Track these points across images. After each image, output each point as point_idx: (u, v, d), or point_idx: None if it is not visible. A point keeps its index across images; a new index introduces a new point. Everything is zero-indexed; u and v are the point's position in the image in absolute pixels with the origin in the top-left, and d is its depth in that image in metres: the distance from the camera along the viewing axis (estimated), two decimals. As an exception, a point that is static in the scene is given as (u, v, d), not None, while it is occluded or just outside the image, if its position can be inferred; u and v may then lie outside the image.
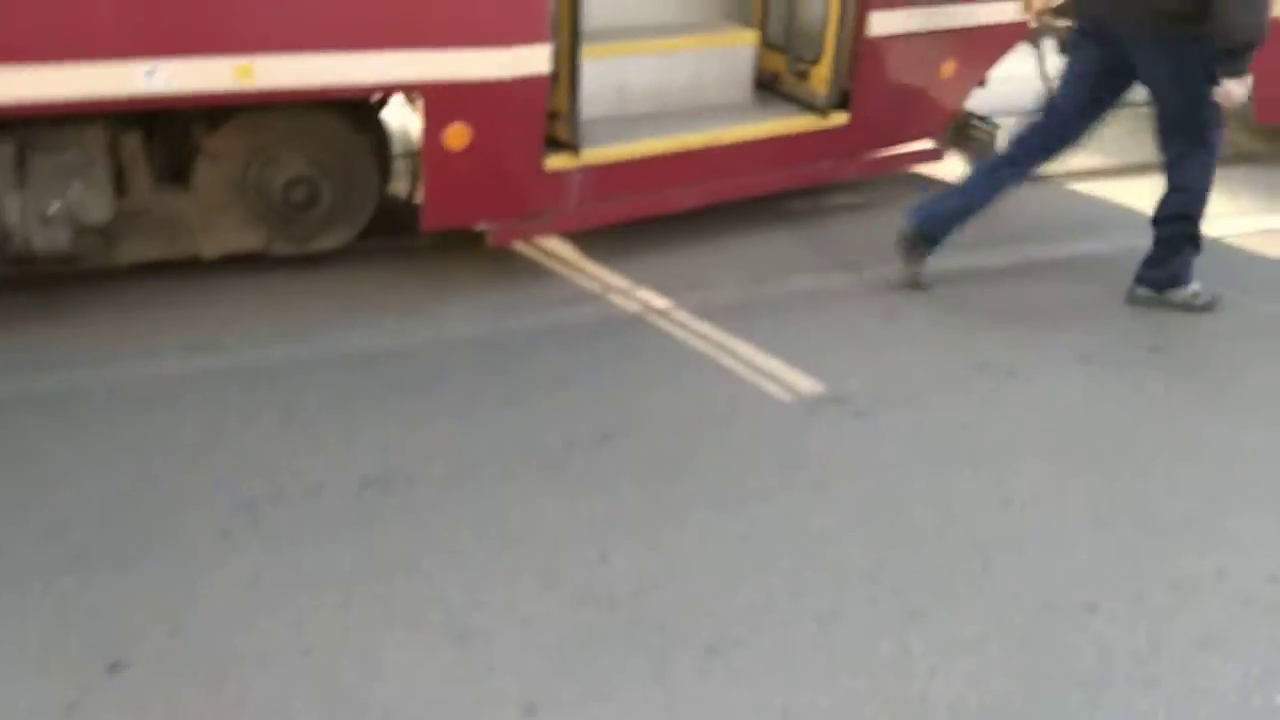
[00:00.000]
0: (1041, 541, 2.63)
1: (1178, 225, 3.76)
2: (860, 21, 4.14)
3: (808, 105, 4.29)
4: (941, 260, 4.16)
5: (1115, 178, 5.24)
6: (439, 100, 3.28)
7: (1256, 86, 5.11)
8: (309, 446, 2.86)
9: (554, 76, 3.56)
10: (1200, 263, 3.89)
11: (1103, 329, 3.72)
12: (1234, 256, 4.36)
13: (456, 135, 3.34)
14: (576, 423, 3.03)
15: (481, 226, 3.64)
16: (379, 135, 3.76)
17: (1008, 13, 4.52)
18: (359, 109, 3.57)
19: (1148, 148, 5.68)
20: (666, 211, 4.08)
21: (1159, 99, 3.68)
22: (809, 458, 2.93)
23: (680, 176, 4.01)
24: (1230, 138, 3.83)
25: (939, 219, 3.88)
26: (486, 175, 3.49)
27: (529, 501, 2.69)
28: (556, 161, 3.67)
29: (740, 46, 4.30)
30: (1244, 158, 5.59)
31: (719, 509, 2.70)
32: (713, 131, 4.03)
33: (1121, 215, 4.74)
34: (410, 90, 3.28)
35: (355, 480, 2.72)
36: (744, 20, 4.52)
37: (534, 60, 3.36)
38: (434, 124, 3.32)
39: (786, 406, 3.18)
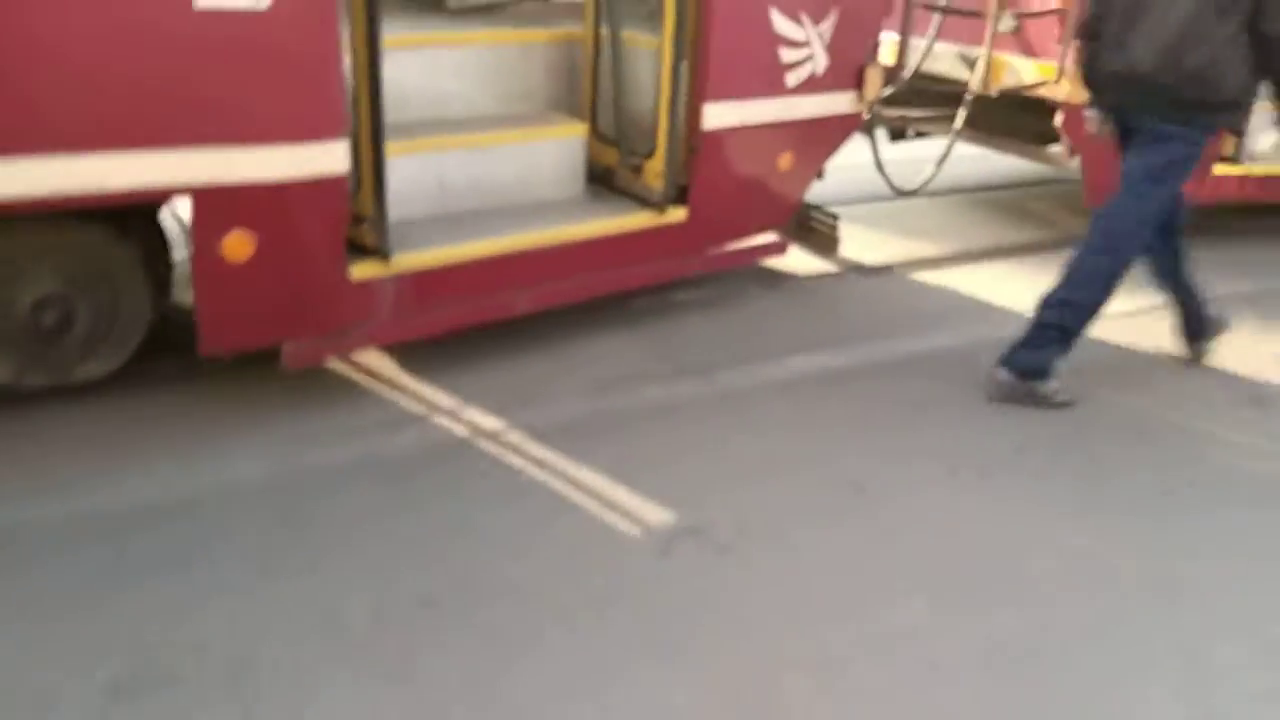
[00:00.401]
0: (934, 709, 2.30)
1: (1063, 315, 3.62)
2: (694, 114, 3.91)
3: (643, 201, 4.00)
4: (789, 363, 3.91)
5: (954, 266, 5.18)
6: (212, 206, 2.80)
7: (1086, 173, 5.23)
8: (44, 645, 2.27)
9: (356, 176, 3.15)
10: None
11: (964, 430, 3.51)
12: (1088, 345, 4.28)
13: (236, 245, 2.86)
14: (388, 586, 2.54)
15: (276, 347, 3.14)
16: (152, 241, 3.22)
17: (843, 104, 4.40)
18: (123, 214, 3.03)
19: (985, 233, 5.78)
20: (495, 319, 3.68)
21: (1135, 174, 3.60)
22: (667, 613, 2.53)
23: (509, 280, 3.62)
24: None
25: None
26: (277, 290, 3.01)
27: (320, 703, 2.17)
28: (363, 270, 3.22)
29: (569, 139, 4.00)
30: (1077, 241, 5.65)
31: (560, 693, 2.26)
32: (542, 231, 3.68)
33: (965, 306, 4.64)
34: (174, 195, 2.79)
35: (99, 688, 2.15)
36: (573, 112, 4.24)
37: (327, 158, 2.93)
38: (207, 233, 2.83)
39: (639, 545, 2.78)
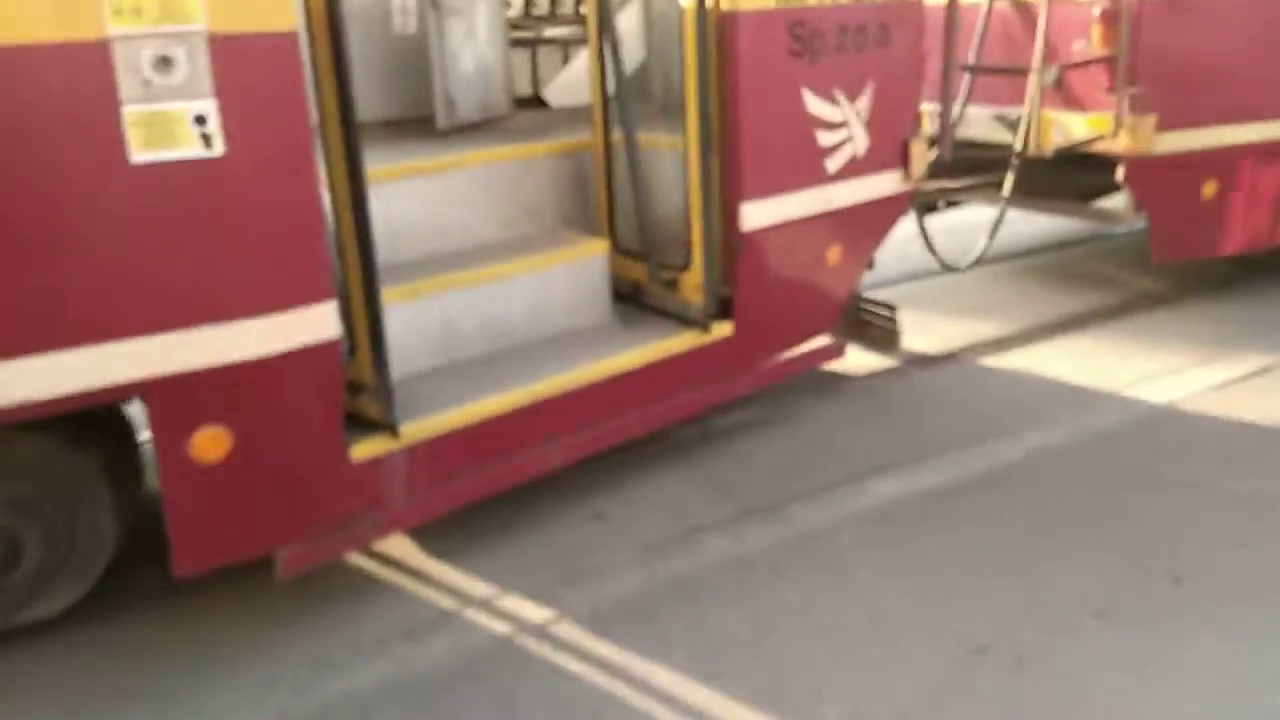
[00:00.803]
0: None
1: None
2: (731, 215, 3.41)
3: (682, 318, 3.48)
4: (871, 487, 3.34)
5: (1021, 346, 4.62)
6: (174, 401, 2.28)
7: (1155, 227, 4.72)
8: None
9: (350, 337, 2.64)
10: (1164, 435, 3.35)
11: (1100, 559, 2.91)
12: (1196, 426, 3.71)
13: (209, 443, 2.33)
14: None
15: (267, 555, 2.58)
16: (113, 442, 2.68)
17: (888, 185, 3.90)
18: (73, 418, 2.51)
19: (1043, 303, 5.24)
20: (526, 479, 3.12)
21: None
22: None
23: (539, 433, 3.08)
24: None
25: None
26: (263, 489, 2.47)
27: None
28: (367, 448, 2.68)
29: (588, 259, 3.50)
30: (1147, 301, 5.12)
31: None
32: (570, 371, 3.15)
33: (1049, 394, 4.07)
34: (127, 394, 2.27)
35: None
36: (588, 227, 3.75)
37: (312, 324, 2.42)
38: (171, 434, 2.30)
39: (742, 772, 2.18)
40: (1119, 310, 5.04)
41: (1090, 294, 5.30)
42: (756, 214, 3.44)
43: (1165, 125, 4.47)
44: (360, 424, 2.72)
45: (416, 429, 2.76)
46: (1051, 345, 4.61)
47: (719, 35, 3.27)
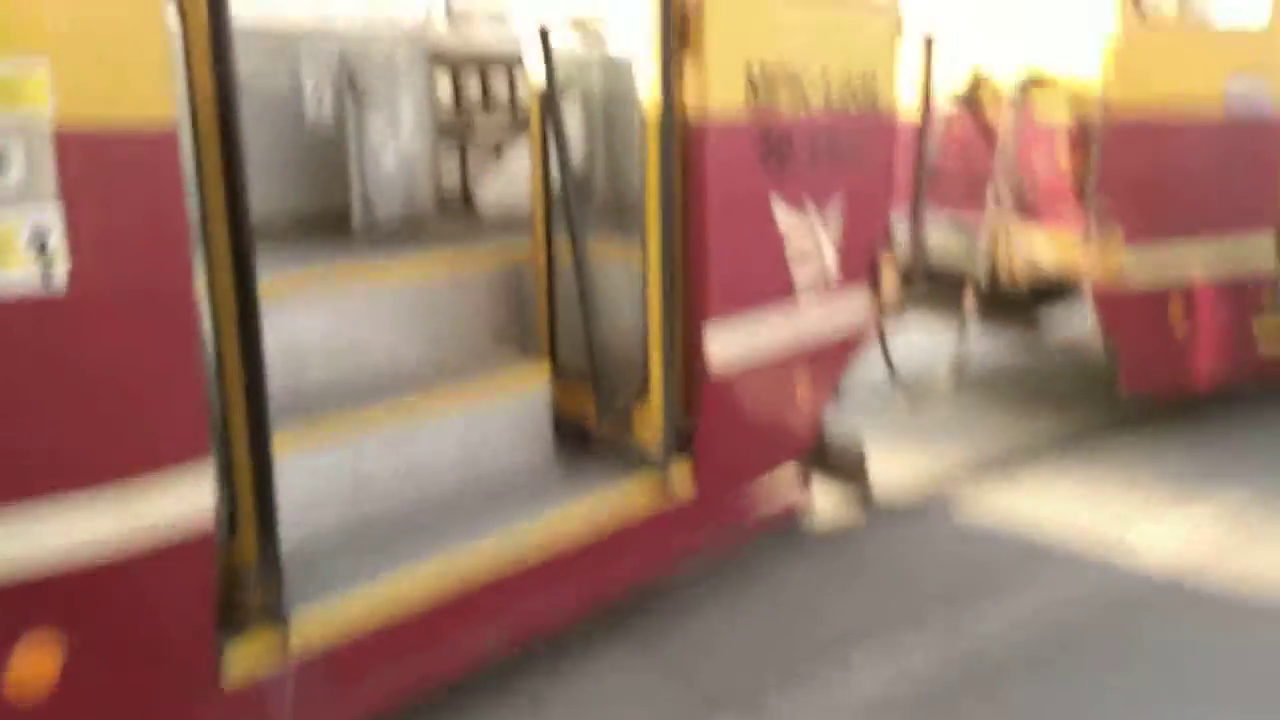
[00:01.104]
0: None
1: None
2: (695, 339, 2.95)
3: (635, 460, 2.98)
4: (856, 671, 2.86)
5: (995, 481, 4.24)
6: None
7: (1124, 355, 4.44)
8: None
9: (229, 506, 2.06)
10: (1160, 600, 3.06)
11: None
12: (1191, 589, 3.34)
13: (32, 664, 1.71)
14: None
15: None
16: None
17: (857, 306, 3.51)
18: None
19: (1008, 433, 4.88)
20: (449, 679, 2.53)
21: None
22: None
23: (466, 617, 2.50)
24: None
25: None
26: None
27: None
28: (247, 654, 2.07)
29: (529, 391, 2.98)
30: (1110, 426, 4.81)
31: None
32: (507, 537, 2.59)
33: (1034, 543, 3.67)
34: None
35: None
36: (522, 344, 3.24)
37: (180, 500, 1.83)
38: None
39: None
40: (1083, 436, 4.73)
41: (1051, 416, 4.98)
42: (723, 340, 2.99)
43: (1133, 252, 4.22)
44: (239, 614, 2.11)
45: (312, 620, 2.16)
46: (1023, 479, 4.25)
47: (685, 149, 2.84)
